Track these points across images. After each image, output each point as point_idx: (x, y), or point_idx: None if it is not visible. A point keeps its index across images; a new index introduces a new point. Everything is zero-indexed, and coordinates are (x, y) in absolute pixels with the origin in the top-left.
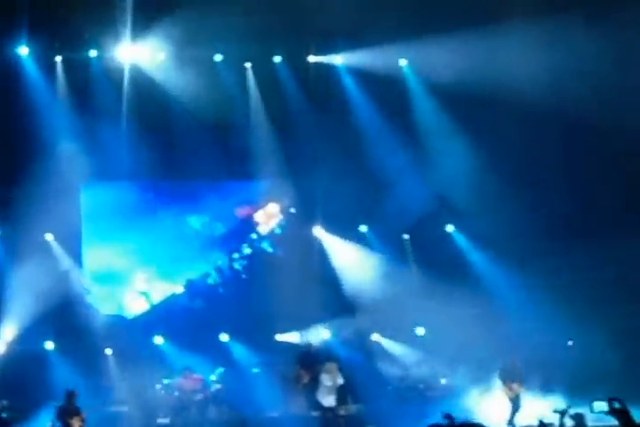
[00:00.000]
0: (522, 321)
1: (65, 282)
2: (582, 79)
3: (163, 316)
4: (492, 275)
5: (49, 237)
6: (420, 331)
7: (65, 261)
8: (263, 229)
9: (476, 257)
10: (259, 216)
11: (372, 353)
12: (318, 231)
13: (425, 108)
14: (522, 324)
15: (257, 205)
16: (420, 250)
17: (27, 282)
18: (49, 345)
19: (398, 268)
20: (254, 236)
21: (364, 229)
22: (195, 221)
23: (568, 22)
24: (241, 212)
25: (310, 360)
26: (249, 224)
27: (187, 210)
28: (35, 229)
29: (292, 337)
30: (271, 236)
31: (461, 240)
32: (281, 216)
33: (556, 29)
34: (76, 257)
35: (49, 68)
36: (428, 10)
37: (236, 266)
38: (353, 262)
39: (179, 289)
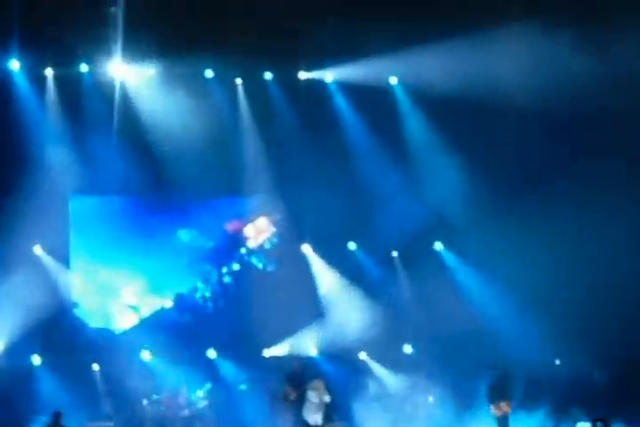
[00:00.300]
0: (510, 339)
1: (53, 295)
2: (577, 89)
3: (151, 330)
4: (480, 291)
5: (37, 249)
6: (408, 349)
7: (53, 274)
8: (252, 243)
9: (465, 274)
10: (248, 230)
11: (358, 371)
12: (306, 249)
13: (416, 123)
14: (510, 341)
15: (247, 220)
16: (409, 267)
17: (14, 295)
18: (36, 359)
19: (387, 285)
20: (243, 250)
21: (352, 246)
22: (184, 235)
23: (560, 31)
24: (230, 226)
25: (298, 378)
26: (238, 239)
27: (176, 224)
28: (23, 241)
29: (279, 353)
30: (260, 251)
31: (450, 258)
32: (271, 230)
33: (549, 39)
34: (65, 270)
35: (40, 83)
36: (418, 24)
37: (225, 280)
38: (338, 287)
39: (168, 303)
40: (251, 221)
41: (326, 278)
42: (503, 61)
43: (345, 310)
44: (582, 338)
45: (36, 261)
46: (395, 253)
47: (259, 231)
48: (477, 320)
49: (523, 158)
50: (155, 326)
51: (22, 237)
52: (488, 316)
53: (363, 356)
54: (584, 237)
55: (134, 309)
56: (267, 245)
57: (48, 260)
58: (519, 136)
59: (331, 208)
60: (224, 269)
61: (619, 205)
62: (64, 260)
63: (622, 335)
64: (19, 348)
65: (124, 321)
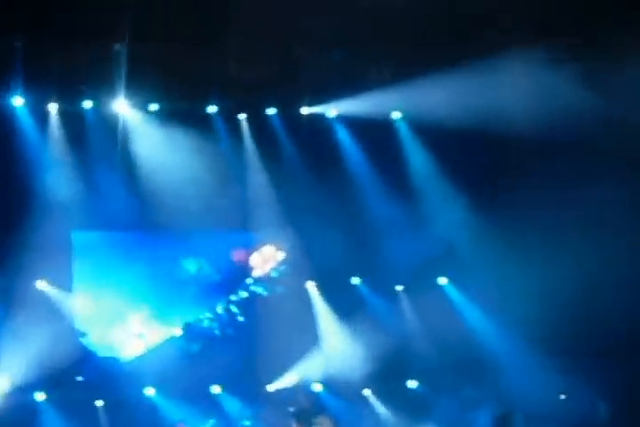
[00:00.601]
0: (515, 372)
1: (60, 328)
2: (583, 121)
3: (158, 360)
4: (484, 324)
5: (41, 283)
6: (412, 384)
7: (58, 307)
8: (259, 272)
9: (469, 308)
10: (254, 259)
11: (361, 406)
12: (310, 286)
13: (420, 156)
14: (515, 375)
15: (253, 249)
16: (414, 301)
17: (20, 331)
18: (40, 396)
19: (391, 319)
20: (250, 280)
21: (356, 280)
22: (190, 265)
23: (566, 60)
24: (237, 256)
25: (305, 413)
26: (245, 268)
27: (182, 254)
28: (26, 276)
29: (285, 387)
30: (267, 279)
31: (454, 292)
32: (278, 259)
33: (554, 69)
34: (70, 301)
35: (43, 119)
36: (421, 57)
37: (232, 310)
38: (342, 322)
39: (175, 332)
40: (257, 249)
41: (330, 314)
42: (508, 93)
43: (349, 344)
44: (588, 372)
45: (40, 296)
46: (399, 288)
47: (265, 260)
48: (482, 353)
49: (529, 189)
50: (162, 355)
51: (26, 272)
52: (492, 349)
53: (367, 392)
54: (592, 271)
55: (141, 337)
56: (273, 274)
57: (53, 292)
58: (524, 167)
59: (335, 242)
60: (232, 297)
61: (624, 235)
62: (68, 291)
63: (630, 368)
64: (26, 385)
65: (130, 350)
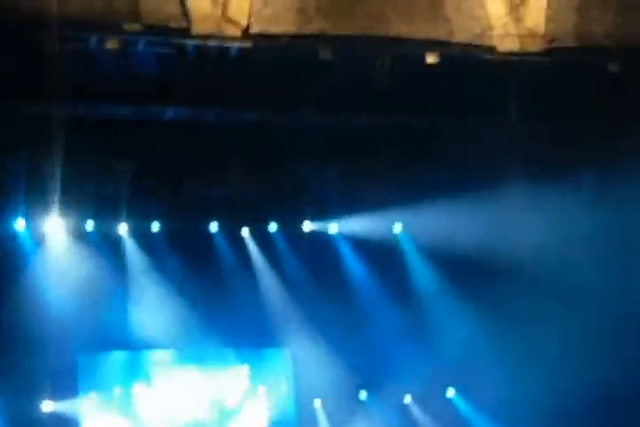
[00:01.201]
0: None
1: None
2: (586, 247)
3: None
4: None
5: (47, 404)
6: None
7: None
8: None
9: (476, 419)
10: None
11: None
12: (318, 405)
13: (423, 275)
14: None
15: None
16: (423, 412)
17: None
18: None
19: None
20: None
21: (363, 395)
22: None
23: (569, 184)
24: None
25: None
26: None
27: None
28: (32, 398)
29: None
30: None
31: (462, 403)
32: None
33: (561, 195)
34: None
35: (44, 240)
36: (424, 175)
37: None
38: None
39: None
40: None
41: None
42: (515, 217)
43: None
44: None
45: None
46: (407, 398)
47: None
48: None
49: (533, 299)
50: None
51: (31, 395)
52: None
53: None
54: (601, 380)
55: None
56: None
57: (60, 408)
58: (531, 293)
59: (341, 356)
60: None
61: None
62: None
63: None
64: None
65: None
